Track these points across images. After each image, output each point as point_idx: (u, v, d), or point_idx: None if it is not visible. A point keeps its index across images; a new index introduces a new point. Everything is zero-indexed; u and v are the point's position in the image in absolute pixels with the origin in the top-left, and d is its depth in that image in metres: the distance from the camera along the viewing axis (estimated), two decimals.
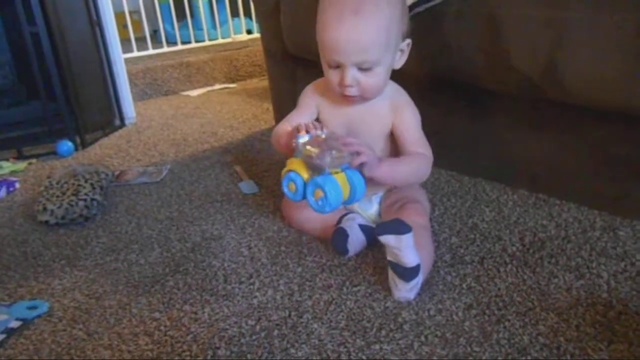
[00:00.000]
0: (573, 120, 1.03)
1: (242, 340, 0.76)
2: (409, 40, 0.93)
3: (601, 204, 1.03)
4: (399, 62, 0.94)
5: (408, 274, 0.79)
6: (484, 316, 0.77)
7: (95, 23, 1.85)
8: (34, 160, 1.64)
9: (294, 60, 1.56)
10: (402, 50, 0.93)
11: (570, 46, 0.91)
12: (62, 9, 1.68)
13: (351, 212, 1.02)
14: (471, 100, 1.18)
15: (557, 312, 0.76)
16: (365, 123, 0.97)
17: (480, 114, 1.18)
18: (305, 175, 0.86)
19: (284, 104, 1.74)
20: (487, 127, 1.18)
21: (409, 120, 0.95)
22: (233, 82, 2.64)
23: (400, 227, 0.77)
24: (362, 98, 0.93)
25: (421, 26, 1.12)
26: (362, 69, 0.88)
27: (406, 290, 0.80)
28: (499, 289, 0.82)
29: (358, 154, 0.84)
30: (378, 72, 0.89)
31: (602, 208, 1.02)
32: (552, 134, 1.07)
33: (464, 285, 0.84)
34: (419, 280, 0.80)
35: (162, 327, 0.80)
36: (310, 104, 1.03)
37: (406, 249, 0.77)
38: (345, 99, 0.93)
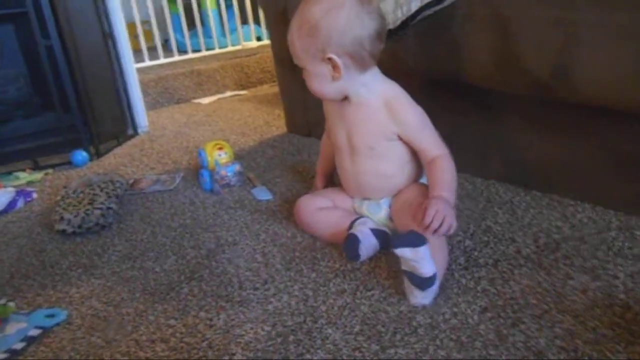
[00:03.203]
0: (585, 120, 1.02)
1: (258, 346, 0.76)
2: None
3: (616, 204, 1.02)
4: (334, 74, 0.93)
5: (425, 283, 0.79)
6: (499, 319, 0.76)
7: (107, 35, 1.87)
8: (50, 171, 1.66)
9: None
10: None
11: (580, 46, 0.91)
12: (75, 22, 1.71)
13: (362, 216, 1.02)
14: (481, 102, 1.18)
15: (573, 314, 0.75)
16: (362, 124, 0.97)
17: (491, 115, 1.18)
18: None
19: (295, 110, 1.75)
20: (499, 129, 1.18)
21: (411, 119, 0.94)
22: (244, 89, 2.66)
23: (416, 240, 0.77)
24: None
25: (430, 29, 1.12)
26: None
27: (422, 297, 0.80)
28: (513, 291, 0.82)
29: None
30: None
31: (617, 208, 1.01)
32: (565, 134, 1.06)
33: (479, 288, 0.84)
34: (435, 287, 0.80)
35: (178, 334, 0.81)
36: (325, 111, 1.06)
37: (423, 260, 0.77)
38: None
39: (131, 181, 1.47)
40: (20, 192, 1.43)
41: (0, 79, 1.82)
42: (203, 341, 0.79)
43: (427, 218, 0.85)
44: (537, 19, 0.95)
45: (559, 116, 1.06)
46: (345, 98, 0.97)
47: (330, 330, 0.78)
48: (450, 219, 0.86)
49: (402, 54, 1.17)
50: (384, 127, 0.95)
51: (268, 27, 1.73)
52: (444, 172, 0.93)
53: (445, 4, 1.08)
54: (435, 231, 0.85)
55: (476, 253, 0.94)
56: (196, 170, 1.48)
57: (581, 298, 0.79)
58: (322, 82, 0.94)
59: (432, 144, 0.95)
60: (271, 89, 2.58)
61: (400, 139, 0.96)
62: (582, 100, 0.96)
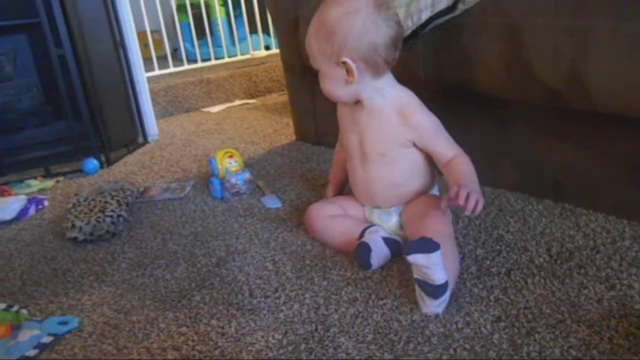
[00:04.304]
0: (597, 128, 1.02)
1: (270, 355, 0.76)
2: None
3: (630, 213, 1.01)
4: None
5: (437, 291, 0.78)
6: (513, 329, 0.76)
7: (118, 44, 1.89)
8: (61, 178, 1.67)
9: (314, 75, 1.57)
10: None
11: (594, 54, 0.90)
12: (87, 31, 1.73)
13: (373, 224, 1.02)
14: (492, 110, 1.18)
15: (588, 324, 0.75)
16: (374, 129, 0.97)
17: (502, 124, 1.18)
18: None
19: (304, 118, 1.75)
20: (509, 137, 1.18)
21: (425, 125, 0.94)
22: (252, 97, 2.68)
23: (428, 246, 0.77)
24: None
25: (441, 38, 1.13)
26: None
27: (434, 306, 0.80)
28: (527, 300, 0.81)
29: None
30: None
31: (630, 217, 1.01)
32: (576, 142, 1.06)
33: (492, 298, 0.83)
34: (447, 295, 0.80)
35: (189, 342, 0.81)
36: (338, 116, 1.06)
37: (435, 266, 0.77)
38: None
39: (141, 189, 1.47)
40: (32, 200, 1.44)
41: (14, 89, 1.84)
42: (215, 349, 0.78)
43: (461, 198, 0.83)
44: (549, 28, 0.95)
45: (571, 124, 1.06)
46: (358, 102, 0.98)
47: (342, 339, 0.77)
48: (480, 198, 0.84)
49: (412, 63, 1.18)
50: (396, 133, 0.95)
51: (278, 36, 1.74)
52: (464, 166, 0.93)
53: (456, 13, 1.09)
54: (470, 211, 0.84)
55: (488, 262, 0.93)
56: (206, 179, 1.49)
57: (596, 308, 0.78)
58: (335, 85, 0.95)
59: (447, 146, 0.95)
60: (279, 97, 2.59)
61: (415, 145, 0.96)
62: (595, 108, 0.95)
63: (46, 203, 1.46)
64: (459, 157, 0.94)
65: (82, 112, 1.71)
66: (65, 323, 0.87)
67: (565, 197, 1.11)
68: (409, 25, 1.12)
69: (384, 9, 0.90)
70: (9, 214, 1.36)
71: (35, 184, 1.62)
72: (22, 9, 1.64)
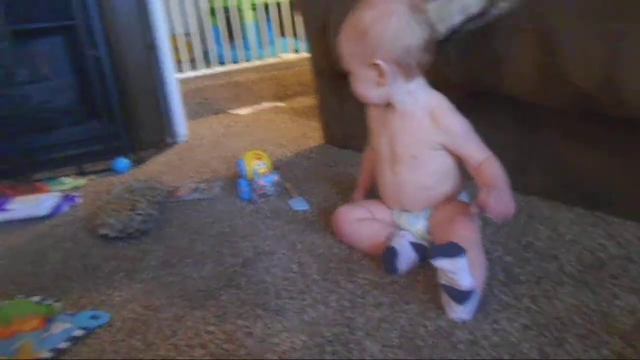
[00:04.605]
0: (631, 135, 0.99)
1: (295, 356, 0.76)
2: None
3: None
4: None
5: (463, 296, 0.78)
6: (542, 338, 0.74)
7: (151, 46, 1.93)
8: (93, 177, 1.72)
9: (343, 79, 1.58)
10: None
11: (628, 59, 0.89)
12: (121, 33, 1.77)
13: (400, 229, 1.01)
14: (522, 115, 1.16)
15: (621, 336, 0.73)
16: (405, 132, 0.97)
17: (532, 129, 1.16)
18: None
19: (333, 122, 1.76)
20: (540, 143, 1.16)
21: (456, 128, 0.94)
22: (280, 100, 2.69)
23: (455, 250, 0.76)
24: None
25: (472, 42, 1.12)
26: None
27: (461, 312, 0.79)
28: (557, 310, 0.80)
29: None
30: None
31: None
32: (609, 149, 1.04)
33: (520, 305, 0.82)
34: (474, 301, 0.79)
35: (216, 340, 0.82)
36: (369, 118, 1.07)
37: (461, 271, 0.76)
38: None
39: (170, 189, 1.50)
40: (66, 197, 1.48)
41: (50, 89, 1.89)
42: (241, 348, 0.79)
43: (491, 201, 0.83)
44: (583, 32, 0.94)
45: (603, 130, 1.03)
46: (389, 105, 0.98)
47: (368, 342, 0.77)
48: (511, 201, 0.84)
49: (442, 67, 1.17)
50: (427, 135, 0.95)
51: (307, 40, 1.75)
52: (494, 169, 0.92)
53: (488, 17, 1.08)
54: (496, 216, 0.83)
55: (517, 269, 0.92)
56: (234, 180, 1.50)
57: (629, 319, 0.76)
58: (367, 87, 0.95)
59: (478, 150, 0.94)
60: (307, 101, 2.60)
61: (445, 148, 0.95)
62: (629, 114, 0.93)
63: (79, 200, 1.50)
64: (490, 160, 0.93)
65: (115, 112, 1.75)
66: (96, 317, 0.90)
67: (597, 205, 1.09)
68: (440, 30, 1.11)
69: (419, 13, 0.90)
70: (43, 210, 1.40)
71: (69, 182, 1.66)
72: (60, 11, 1.69)
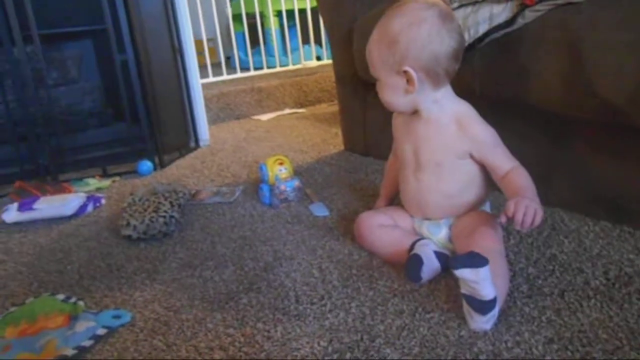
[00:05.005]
0: None
1: None
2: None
3: None
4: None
5: (485, 307, 0.77)
6: (566, 352, 0.73)
7: (176, 50, 1.96)
8: (117, 178, 1.74)
9: (365, 86, 1.59)
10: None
11: None
12: (149, 38, 1.81)
13: (423, 237, 1.01)
14: (547, 126, 1.15)
15: None
16: (431, 139, 0.97)
17: (557, 140, 1.15)
18: None
19: (354, 129, 1.76)
20: (564, 155, 1.14)
21: (484, 137, 0.94)
22: (302, 107, 2.71)
23: (477, 260, 0.75)
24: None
25: (498, 52, 1.11)
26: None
27: (482, 322, 0.78)
28: (582, 324, 0.79)
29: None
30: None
31: None
32: (636, 161, 1.02)
33: (544, 318, 0.81)
34: (495, 311, 0.78)
35: (236, 343, 0.82)
36: (393, 126, 1.07)
37: (483, 281, 0.76)
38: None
39: (193, 192, 1.52)
40: (90, 198, 1.50)
41: (78, 91, 1.94)
42: (261, 352, 0.79)
43: (520, 210, 0.81)
44: (612, 43, 0.93)
45: (630, 142, 1.02)
46: (415, 112, 0.97)
47: (388, 350, 0.77)
48: (539, 210, 0.82)
49: (467, 76, 1.16)
50: (453, 143, 0.95)
51: (331, 47, 1.76)
52: (522, 178, 0.91)
53: (515, 27, 1.07)
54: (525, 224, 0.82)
55: (540, 281, 0.91)
56: (255, 184, 1.52)
57: None
58: (394, 94, 0.95)
59: (505, 159, 0.93)
60: (329, 107, 2.61)
61: (471, 157, 0.95)
62: None
63: (103, 201, 1.52)
64: (517, 169, 0.92)
65: (140, 115, 1.78)
66: (118, 317, 0.91)
67: (624, 219, 1.06)
68: (466, 39, 1.11)
69: (449, 21, 0.90)
70: (69, 210, 1.42)
71: (94, 183, 1.69)
72: (89, 16, 1.73)
